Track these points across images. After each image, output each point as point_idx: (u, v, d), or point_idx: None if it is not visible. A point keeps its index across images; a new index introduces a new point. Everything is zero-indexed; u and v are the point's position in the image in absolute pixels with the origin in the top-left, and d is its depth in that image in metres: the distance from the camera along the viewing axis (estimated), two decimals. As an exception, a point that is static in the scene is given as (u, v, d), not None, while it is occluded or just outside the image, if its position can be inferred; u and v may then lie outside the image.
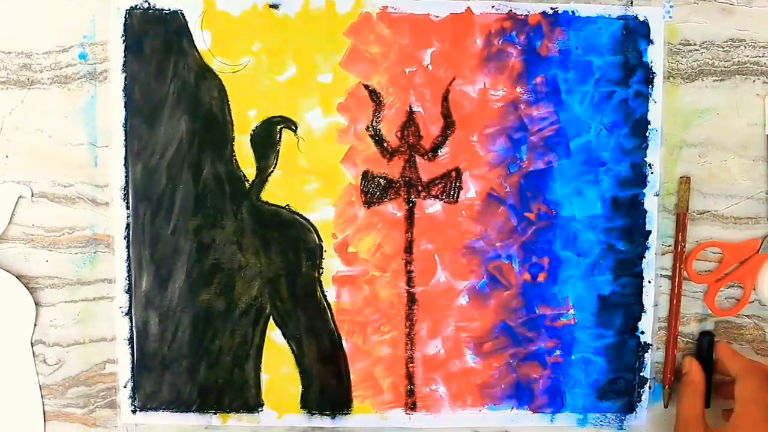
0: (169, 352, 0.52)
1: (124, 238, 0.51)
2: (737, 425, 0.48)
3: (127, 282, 0.51)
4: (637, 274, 0.53)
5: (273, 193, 0.51)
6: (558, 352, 0.53)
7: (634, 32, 0.51)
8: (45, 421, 0.53)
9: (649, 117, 0.52)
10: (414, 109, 0.51)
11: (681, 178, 0.53)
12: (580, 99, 0.52)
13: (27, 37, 0.51)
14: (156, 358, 0.52)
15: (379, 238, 0.52)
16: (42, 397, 0.53)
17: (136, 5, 0.50)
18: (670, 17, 0.52)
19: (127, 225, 0.51)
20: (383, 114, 0.51)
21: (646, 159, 0.52)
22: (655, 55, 0.52)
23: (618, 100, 0.52)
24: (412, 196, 0.52)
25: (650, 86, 0.52)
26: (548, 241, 0.52)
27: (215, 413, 0.53)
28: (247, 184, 0.51)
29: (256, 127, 0.51)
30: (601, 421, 0.54)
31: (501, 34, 0.51)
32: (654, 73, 0.52)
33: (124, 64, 0.50)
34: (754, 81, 0.52)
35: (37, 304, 0.52)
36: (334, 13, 0.51)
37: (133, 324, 0.52)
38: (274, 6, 0.50)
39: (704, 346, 0.53)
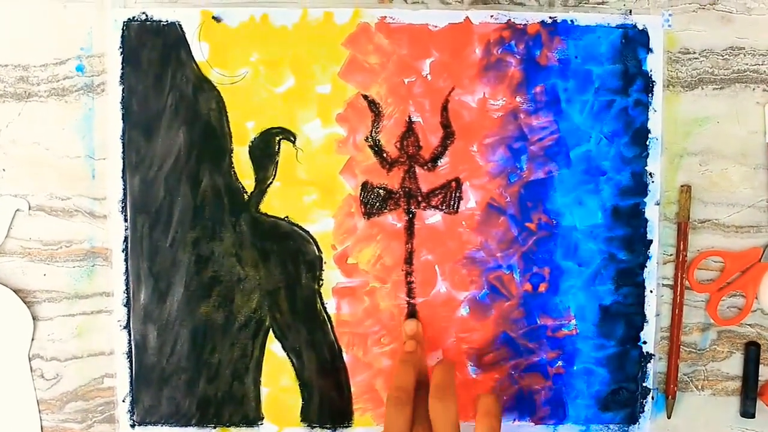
0: (168, 366, 0.51)
1: (123, 251, 0.51)
2: None
3: (126, 295, 0.51)
4: (639, 284, 0.52)
5: (272, 205, 0.51)
6: (560, 363, 0.53)
7: (634, 41, 0.51)
8: (43, 436, 0.53)
9: (650, 126, 0.52)
10: (413, 120, 0.51)
11: (682, 186, 0.52)
12: (579, 108, 0.51)
13: (24, 50, 0.50)
14: (155, 371, 0.51)
15: (378, 250, 0.52)
16: (39, 412, 0.52)
17: (133, 17, 0.50)
18: (669, 26, 0.52)
19: (126, 238, 0.51)
20: (382, 124, 0.51)
21: (646, 168, 0.52)
22: (655, 64, 0.51)
23: (618, 109, 0.52)
24: (412, 207, 0.52)
25: (650, 95, 0.52)
26: (549, 251, 0.52)
27: (215, 427, 0.52)
28: (245, 196, 0.51)
29: (255, 138, 0.51)
30: (604, 432, 0.53)
31: (500, 43, 0.51)
32: (654, 81, 0.52)
33: (121, 76, 0.50)
34: (753, 89, 0.52)
35: (34, 318, 0.52)
36: (332, 23, 0.50)
37: (132, 337, 0.51)
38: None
39: (751, 357, 0.53)
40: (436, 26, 0.51)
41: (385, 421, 0.45)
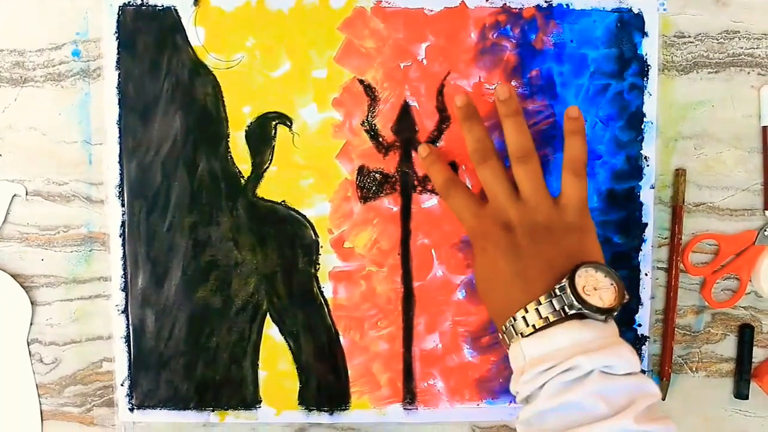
0: (166, 350, 0.52)
1: (120, 236, 0.51)
2: None
3: (123, 280, 0.51)
4: (634, 267, 0.53)
5: (268, 189, 0.51)
6: (555, 346, 0.53)
7: (629, 25, 0.51)
8: (42, 420, 0.53)
9: (645, 110, 0.52)
10: (409, 104, 0.51)
11: (676, 170, 0.53)
12: (575, 92, 0.52)
13: (19, 35, 0.50)
14: (153, 355, 0.52)
15: (375, 234, 0.52)
16: (39, 396, 0.53)
17: (129, 2, 0.50)
18: (665, 9, 0.52)
19: (123, 223, 0.51)
20: (378, 109, 0.51)
21: (641, 152, 0.52)
22: (650, 48, 0.52)
23: (613, 93, 0.52)
24: (408, 191, 0.52)
25: (645, 79, 0.52)
26: (545, 235, 0.52)
27: (213, 410, 0.52)
28: (242, 181, 0.51)
29: (251, 123, 0.51)
30: (599, 414, 0.54)
31: (495, 27, 0.51)
32: (649, 65, 0.52)
33: (117, 61, 0.50)
34: (748, 72, 0.52)
35: (32, 303, 0.52)
36: (328, 8, 0.50)
37: (130, 322, 0.52)
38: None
39: (745, 339, 0.53)
40: (431, 10, 0.51)
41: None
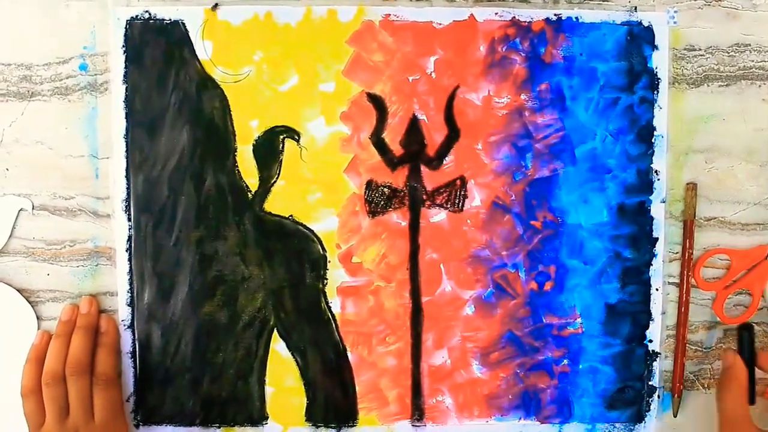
0: (173, 366, 0.51)
1: (126, 251, 0.51)
2: None
3: (129, 295, 0.51)
4: (645, 282, 0.52)
5: (276, 204, 0.51)
6: (565, 362, 0.52)
7: (639, 38, 0.51)
8: (47, 436, 0.52)
9: (655, 123, 0.52)
10: (418, 117, 0.51)
11: (687, 184, 0.52)
12: (585, 105, 0.51)
13: (27, 49, 0.50)
14: (159, 371, 0.51)
15: (383, 248, 0.51)
16: (44, 412, 0.52)
17: (136, 15, 0.50)
18: (675, 22, 0.51)
19: (129, 237, 0.51)
20: (387, 123, 0.51)
21: (652, 165, 0.52)
22: (660, 61, 0.51)
23: (623, 107, 0.51)
24: (417, 206, 0.51)
25: (655, 92, 0.51)
26: (554, 250, 0.52)
27: (219, 427, 0.52)
28: (249, 195, 0.51)
29: (259, 137, 0.51)
30: (609, 431, 0.53)
31: (505, 40, 0.51)
32: (659, 78, 0.51)
33: (124, 75, 0.50)
34: (759, 86, 0.52)
35: (38, 317, 0.52)
36: (336, 21, 0.50)
37: (136, 337, 0.51)
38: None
39: (744, 340, 0.52)
40: (440, 24, 0.50)
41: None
